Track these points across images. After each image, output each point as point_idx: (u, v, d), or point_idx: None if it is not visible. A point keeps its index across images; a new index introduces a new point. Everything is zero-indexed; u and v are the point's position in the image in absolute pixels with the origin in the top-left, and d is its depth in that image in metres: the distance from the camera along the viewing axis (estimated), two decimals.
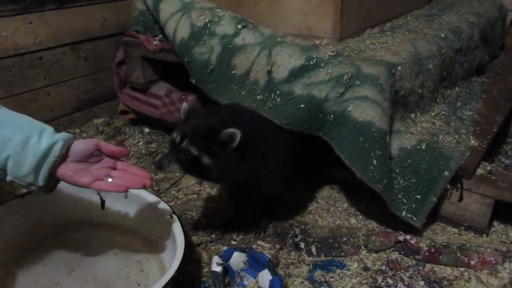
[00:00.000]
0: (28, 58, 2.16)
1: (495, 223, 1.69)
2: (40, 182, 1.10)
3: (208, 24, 1.84)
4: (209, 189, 1.95)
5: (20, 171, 1.07)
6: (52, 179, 1.13)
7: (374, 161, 1.47)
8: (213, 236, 1.64)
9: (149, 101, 2.31)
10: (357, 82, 1.51)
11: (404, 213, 1.54)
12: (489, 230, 1.64)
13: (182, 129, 1.33)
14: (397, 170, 1.56)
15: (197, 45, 1.84)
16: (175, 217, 1.38)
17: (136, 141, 2.38)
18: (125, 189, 1.16)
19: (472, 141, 1.73)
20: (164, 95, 2.26)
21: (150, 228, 1.50)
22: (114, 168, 1.21)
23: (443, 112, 1.87)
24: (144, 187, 1.20)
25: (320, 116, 1.54)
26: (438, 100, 1.91)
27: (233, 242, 1.62)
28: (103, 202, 1.56)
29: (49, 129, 1.11)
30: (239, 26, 1.78)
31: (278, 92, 1.59)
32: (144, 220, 1.51)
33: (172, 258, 1.21)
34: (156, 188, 1.95)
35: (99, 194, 1.55)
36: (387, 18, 2.26)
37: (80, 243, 1.51)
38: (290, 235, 1.64)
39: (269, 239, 1.63)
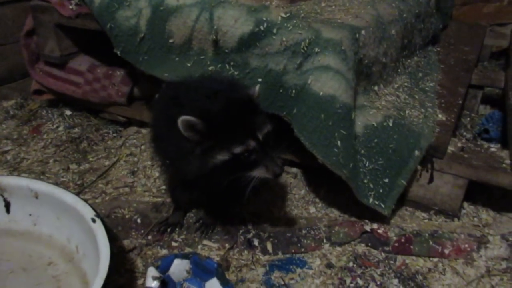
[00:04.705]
0: None
1: (465, 204, 1.54)
2: None
3: None
4: (145, 179, 1.67)
5: None
6: None
7: (339, 142, 1.27)
8: (149, 238, 1.42)
9: (69, 78, 2.00)
10: (316, 50, 1.28)
11: (371, 200, 1.35)
12: (460, 212, 1.49)
13: (239, 132, 1.09)
14: (362, 152, 1.36)
15: (121, 8, 1.54)
16: (98, 220, 1.18)
17: (55, 126, 2.05)
18: None
19: (440, 115, 1.56)
20: (87, 71, 1.97)
21: (68, 234, 1.28)
22: None
23: (406, 84, 1.70)
24: None
25: (281, 91, 1.32)
26: (399, 70, 1.73)
27: (174, 244, 1.40)
28: (7, 204, 1.33)
29: None
30: None
31: (232, 63, 1.35)
32: (61, 224, 1.28)
33: (97, 271, 1.02)
34: (79, 182, 1.64)
35: (2, 195, 1.32)
36: None
37: None
38: (241, 231, 1.43)
39: (217, 237, 1.43)
